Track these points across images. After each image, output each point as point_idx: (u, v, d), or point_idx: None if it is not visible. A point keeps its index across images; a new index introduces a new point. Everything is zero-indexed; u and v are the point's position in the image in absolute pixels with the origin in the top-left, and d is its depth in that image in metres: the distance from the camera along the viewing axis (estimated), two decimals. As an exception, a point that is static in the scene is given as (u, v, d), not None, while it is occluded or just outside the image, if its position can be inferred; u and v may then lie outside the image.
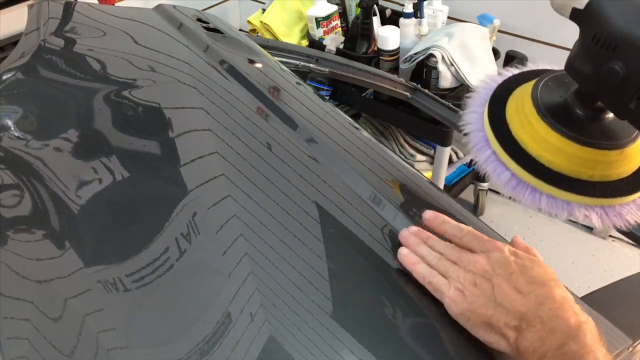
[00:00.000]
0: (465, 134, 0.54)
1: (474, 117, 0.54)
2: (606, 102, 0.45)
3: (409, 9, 1.69)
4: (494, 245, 0.50)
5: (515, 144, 0.50)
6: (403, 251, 0.55)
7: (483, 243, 0.51)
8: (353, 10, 1.92)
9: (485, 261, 0.49)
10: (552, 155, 0.48)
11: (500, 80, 0.56)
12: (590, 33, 0.43)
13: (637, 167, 0.50)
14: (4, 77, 0.84)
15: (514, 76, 0.56)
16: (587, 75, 0.45)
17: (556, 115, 0.48)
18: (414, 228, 0.57)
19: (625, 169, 0.49)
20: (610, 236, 2.01)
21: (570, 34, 1.83)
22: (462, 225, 0.54)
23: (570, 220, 2.08)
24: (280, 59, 1.17)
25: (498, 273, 0.47)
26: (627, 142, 0.48)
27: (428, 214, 0.56)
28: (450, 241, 0.54)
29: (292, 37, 1.94)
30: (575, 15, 0.45)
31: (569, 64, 0.47)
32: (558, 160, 0.48)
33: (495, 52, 1.75)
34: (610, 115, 0.48)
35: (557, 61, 1.93)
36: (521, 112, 0.50)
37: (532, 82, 0.52)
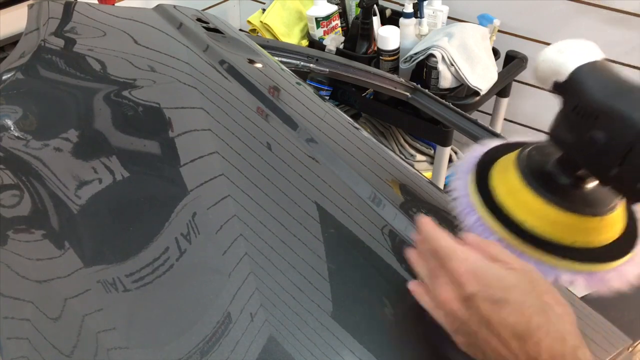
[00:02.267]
0: (453, 199, 0.55)
1: (461, 183, 0.55)
2: (589, 169, 0.47)
3: (409, 9, 1.69)
4: (452, 264, 0.46)
5: (501, 210, 0.51)
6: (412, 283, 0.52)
7: (441, 259, 0.47)
8: (353, 10, 1.92)
9: (454, 303, 0.45)
10: (536, 221, 0.49)
11: (485, 149, 0.58)
12: (572, 104, 0.45)
13: (618, 235, 0.51)
14: (4, 77, 0.84)
15: (498, 146, 0.58)
16: (570, 144, 0.47)
17: (540, 182, 0.50)
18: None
19: (607, 236, 0.50)
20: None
21: (570, 34, 1.82)
22: (422, 238, 0.50)
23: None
24: (280, 59, 1.17)
25: (473, 322, 0.44)
26: (607, 211, 0.49)
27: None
28: None
29: (292, 37, 1.94)
30: (557, 87, 0.47)
31: (552, 133, 0.49)
32: (542, 226, 0.49)
33: (495, 52, 1.75)
34: (593, 183, 0.49)
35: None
36: (506, 179, 0.52)
37: (517, 151, 0.54)
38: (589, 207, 0.49)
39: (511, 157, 0.53)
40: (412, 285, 0.51)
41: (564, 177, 0.49)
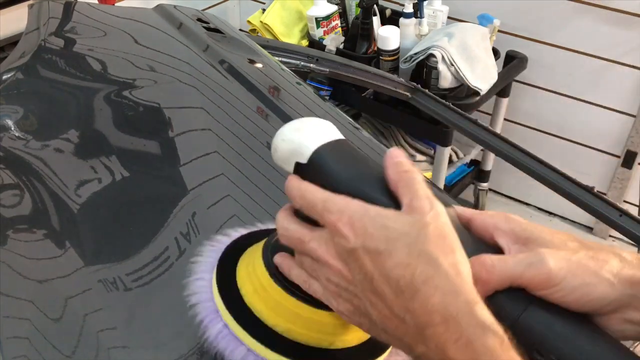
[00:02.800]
0: (192, 306, 0.46)
1: (201, 284, 0.47)
2: None
3: (409, 9, 1.69)
4: (330, 217, 0.39)
5: (249, 313, 0.44)
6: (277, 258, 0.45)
7: (318, 213, 0.39)
8: (353, 10, 1.93)
9: (336, 261, 0.39)
10: (289, 323, 0.43)
11: (228, 241, 0.50)
12: (317, 184, 0.40)
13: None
14: (4, 77, 0.84)
15: (243, 236, 0.52)
16: None
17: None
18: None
19: (361, 333, 0.45)
20: (610, 236, 2.02)
21: (570, 34, 1.83)
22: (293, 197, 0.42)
23: (570, 220, 2.08)
24: (280, 59, 1.17)
25: (358, 280, 0.38)
26: None
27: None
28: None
29: (292, 37, 1.94)
30: (299, 170, 0.42)
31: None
32: (296, 328, 0.43)
33: (495, 52, 1.76)
34: None
35: (557, 61, 1.92)
36: (252, 274, 0.45)
37: (263, 241, 0.47)
38: None
39: (258, 248, 0.47)
40: (278, 258, 0.44)
41: None
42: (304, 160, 0.41)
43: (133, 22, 1.05)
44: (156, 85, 0.86)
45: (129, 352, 0.50)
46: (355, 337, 0.45)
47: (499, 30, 1.79)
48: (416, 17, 1.71)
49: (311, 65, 1.21)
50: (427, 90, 1.26)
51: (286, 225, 0.42)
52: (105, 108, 0.81)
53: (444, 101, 1.20)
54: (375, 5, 1.77)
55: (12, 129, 0.76)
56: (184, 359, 0.49)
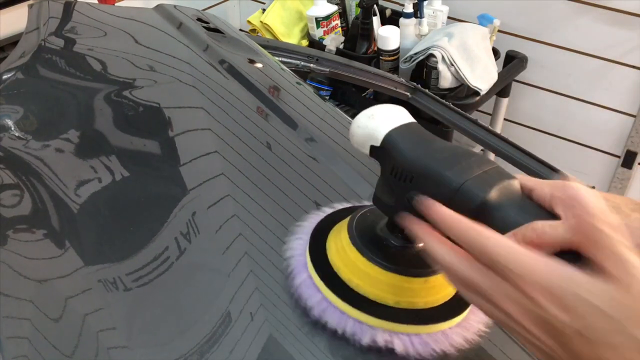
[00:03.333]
0: (287, 258, 0.54)
1: (299, 243, 0.55)
2: None
3: (409, 9, 1.69)
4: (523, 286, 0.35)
5: (328, 268, 0.51)
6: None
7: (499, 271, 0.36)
8: (353, 10, 1.93)
9: (535, 329, 0.35)
10: (360, 280, 0.49)
11: (329, 211, 0.59)
12: (388, 168, 0.46)
13: (447, 299, 0.50)
14: (4, 77, 0.84)
15: (342, 210, 0.59)
16: (391, 207, 0.47)
17: (367, 243, 0.50)
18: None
19: (432, 299, 0.50)
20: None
21: (570, 34, 1.83)
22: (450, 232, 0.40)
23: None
24: (280, 59, 1.17)
25: (558, 351, 0.35)
26: (431, 272, 0.48)
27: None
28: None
29: (292, 37, 1.94)
30: (374, 152, 0.48)
31: (375, 198, 0.50)
32: (365, 285, 0.49)
33: (495, 52, 1.76)
34: (419, 244, 0.48)
35: (557, 61, 1.92)
36: (337, 239, 0.52)
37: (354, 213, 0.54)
38: (413, 268, 0.48)
39: (347, 220, 0.53)
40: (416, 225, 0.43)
41: (392, 239, 0.50)
42: (377, 143, 0.47)
43: (133, 22, 1.05)
44: (156, 85, 0.86)
45: (129, 352, 0.50)
46: (421, 301, 0.49)
47: (499, 30, 1.79)
48: (416, 17, 1.71)
49: (311, 65, 1.21)
50: (427, 90, 1.26)
51: (461, 269, 0.38)
52: (105, 108, 0.81)
53: (444, 101, 1.20)
54: (375, 5, 1.77)
55: (12, 129, 0.76)
56: (184, 359, 0.49)
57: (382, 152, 0.47)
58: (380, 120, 0.48)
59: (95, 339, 0.51)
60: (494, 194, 0.40)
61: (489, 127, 1.13)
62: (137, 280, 0.55)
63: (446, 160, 0.43)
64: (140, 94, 0.84)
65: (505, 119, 1.95)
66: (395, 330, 0.48)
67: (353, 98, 1.76)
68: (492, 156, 1.98)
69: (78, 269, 0.57)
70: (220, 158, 0.71)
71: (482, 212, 0.40)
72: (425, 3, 1.70)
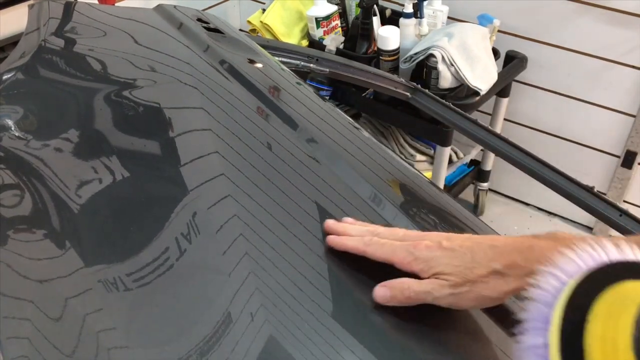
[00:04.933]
0: (526, 298, 0.38)
1: (553, 285, 0.37)
2: None
3: (409, 9, 1.69)
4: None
5: (578, 353, 0.33)
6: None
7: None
8: (353, 10, 1.93)
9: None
10: None
11: (590, 262, 0.37)
12: None
13: None
14: (4, 77, 0.84)
15: (616, 264, 0.37)
16: None
17: None
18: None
19: None
20: (610, 236, 2.01)
21: (570, 34, 1.83)
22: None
23: (570, 220, 2.08)
24: (280, 59, 1.17)
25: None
26: None
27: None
28: None
29: (292, 37, 1.94)
30: None
31: None
32: None
33: (495, 52, 1.76)
34: None
35: (557, 61, 1.93)
36: (611, 323, 0.33)
37: None
38: None
39: (632, 292, 0.34)
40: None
41: None
42: None
43: (133, 22, 1.05)
44: (156, 85, 0.86)
45: (129, 352, 0.50)
46: None
47: (499, 30, 1.79)
48: (416, 17, 1.71)
49: (311, 65, 1.21)
50: (427, 90, 1.26)
51: None
52: (105, 108, 0.81)
53: (444, 101, 1.20)
54: (375, 5, 1.77)
55: (12, 129, 0.76)
56: (184, 359, 0.49)
57: None
58: None
59: (95, 339, 0.51)
60: None
61: (489, 127, 1.13)
62: (138, 281, 0.55)
63: None
64: (141, 94, 0.84)
65: (505, 119, 1.95)
66: None
67: (353, 98, 1.76)
68: (492, 156, 1.99)
69: (78, 269, 0.57)
70: (221, 158, 0.71)
71: None
72: (425, 3, 1.71)
